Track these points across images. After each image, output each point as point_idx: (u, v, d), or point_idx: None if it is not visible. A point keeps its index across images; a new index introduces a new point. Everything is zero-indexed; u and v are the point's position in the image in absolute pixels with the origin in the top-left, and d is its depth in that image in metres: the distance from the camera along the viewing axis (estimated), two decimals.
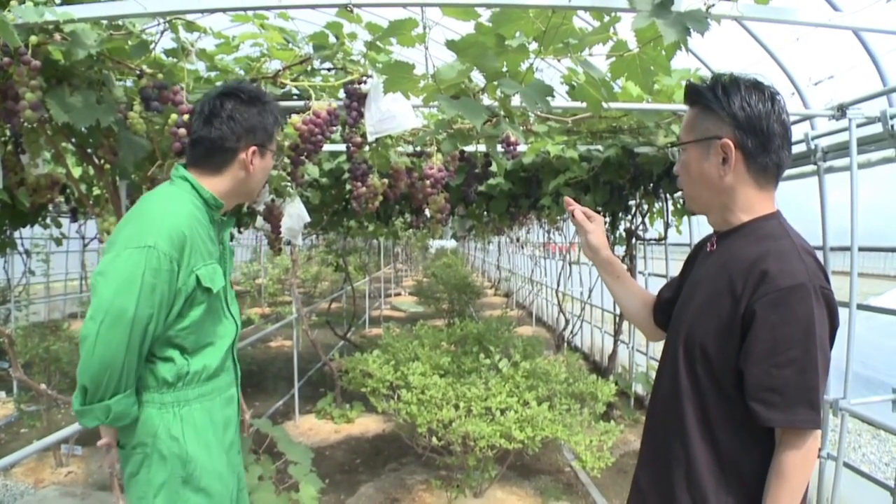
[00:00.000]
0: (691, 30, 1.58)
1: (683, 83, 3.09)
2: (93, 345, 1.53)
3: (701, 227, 4.85)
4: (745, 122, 1.36)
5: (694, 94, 1.46)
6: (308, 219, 3.38)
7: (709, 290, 1.41)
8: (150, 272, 1.57)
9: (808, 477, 1.32)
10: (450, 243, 25.47)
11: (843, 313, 1.45)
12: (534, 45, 1.88)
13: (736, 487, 1.34)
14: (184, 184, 1.75)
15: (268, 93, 1.88)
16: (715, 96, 1.39)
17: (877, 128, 2.95)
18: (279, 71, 2.44)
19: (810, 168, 3.47)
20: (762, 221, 1.41)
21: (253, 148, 1.78)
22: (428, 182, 2.84)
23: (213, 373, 1.79)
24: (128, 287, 1.55)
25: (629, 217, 5.46)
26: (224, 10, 1.94)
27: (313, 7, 2.13)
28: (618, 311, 6.27)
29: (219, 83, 2.52)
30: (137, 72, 2.17)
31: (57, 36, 1.85)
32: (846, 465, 3.18)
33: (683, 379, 1.41)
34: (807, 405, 1.25)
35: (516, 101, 2.25)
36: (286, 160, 2.63)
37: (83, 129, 2.23)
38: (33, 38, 1.81)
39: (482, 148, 2.80)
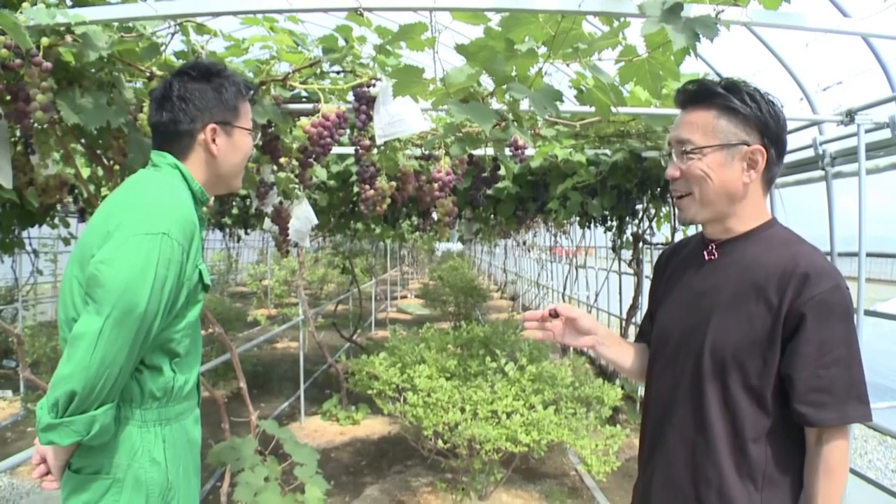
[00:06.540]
0: (700, 35, 1.58)
1: None
2: (93, 343, 1.33)
3: None
4: (774, 130, 1.33)
5: (710, 94, 1.35)
6: (315, 221, 3.39)
7: (731, 300, 1.35)
8: (164, 263, 1.42)
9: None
10: (456, 246, 25.48)
11: None
12: (543, 50, 1.89)
13: (769, 498, 1.32)
14: (174, 172, 1.59)
15: (226, 66, 1.70)
16: (742, 100, 1.32)
17: (885, 133, 2.94)
18: (288, 73, 2.45)
19: (818, 173, 3.46)
20: (769, 228, 1.39)
21: (212, 126, 1.60)
22: (436, 185, 2.85)
23: (191, 389, 1.63)
24: (141, 278, 1.38)
25: (636, 221, 5.46)
26: (234, 13, 1.96)
27: (323, 10, 2.14)
28: (624, 315, 6.26)
29: None
30: (148, 74, 2.19)
31: (68, 38, 1.86)
32: (852, 471, 3.16)
33: (710, 393, 1.34)
34: (856, 400, 1.25)
35: (525, 105, 2.25)
36: (294, 162, 2.64)
37: (93, 130, 2.24)
38: (45, 40, 1.82)
39: (490, 151, 2.81)
